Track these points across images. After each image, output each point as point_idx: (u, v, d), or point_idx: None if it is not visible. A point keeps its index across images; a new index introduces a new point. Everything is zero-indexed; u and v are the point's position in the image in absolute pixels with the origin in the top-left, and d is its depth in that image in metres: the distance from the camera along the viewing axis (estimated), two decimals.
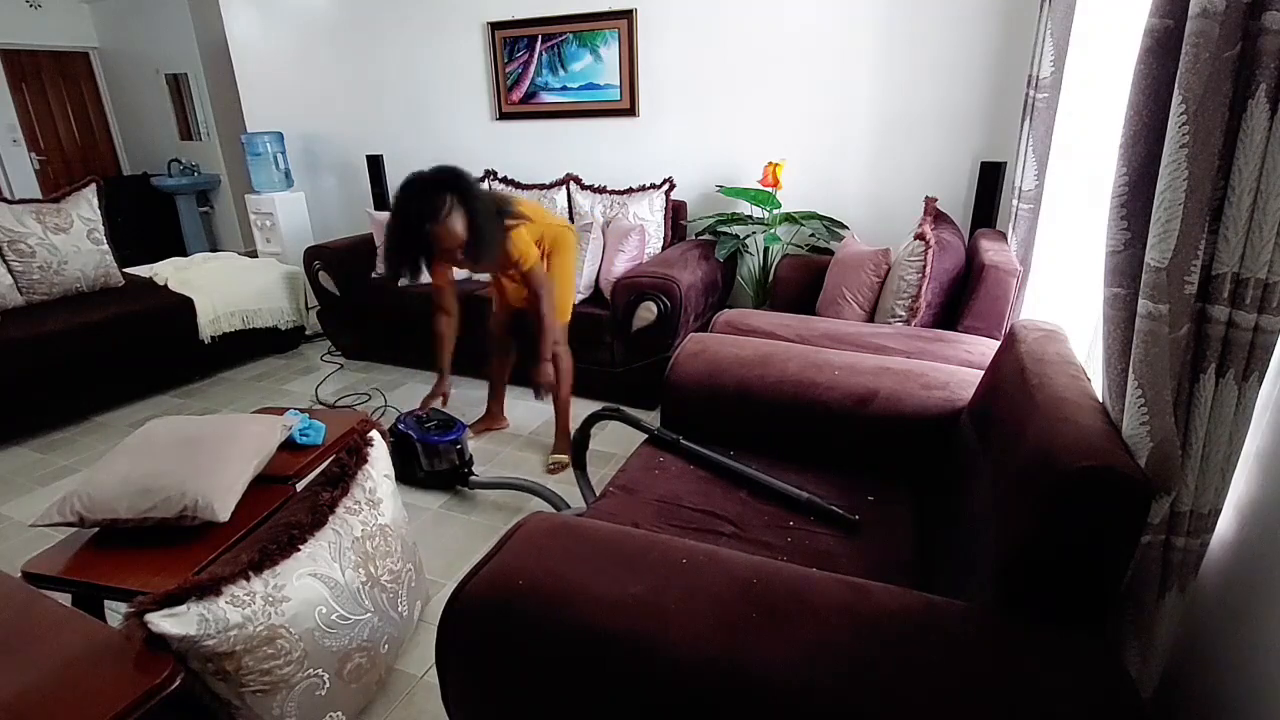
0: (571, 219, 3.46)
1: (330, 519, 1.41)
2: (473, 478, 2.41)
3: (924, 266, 2.26)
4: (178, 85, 6.12)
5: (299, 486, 1.71)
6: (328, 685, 1.32)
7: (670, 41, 3.36)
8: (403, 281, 2.39)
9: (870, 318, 2.51)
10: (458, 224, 2.03)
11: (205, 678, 1.15)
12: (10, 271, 3.06)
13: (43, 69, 6.07)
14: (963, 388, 1.62)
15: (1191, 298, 0.86)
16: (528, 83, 3.74)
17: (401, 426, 2.39)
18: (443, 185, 2.03)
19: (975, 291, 2.18)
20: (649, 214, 3.27)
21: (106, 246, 3.38)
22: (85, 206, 3.36)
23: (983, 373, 1.54)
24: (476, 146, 4.01)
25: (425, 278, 2.28)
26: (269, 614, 1.20)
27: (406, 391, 3.33)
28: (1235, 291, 0.85)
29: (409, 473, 2.35)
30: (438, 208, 2.00)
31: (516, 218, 2.25)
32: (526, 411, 3.04)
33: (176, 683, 1.04)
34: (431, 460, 2.37)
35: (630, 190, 3.35)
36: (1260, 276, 0.83)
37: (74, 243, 3.25)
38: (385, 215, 3.59)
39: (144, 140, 6.57)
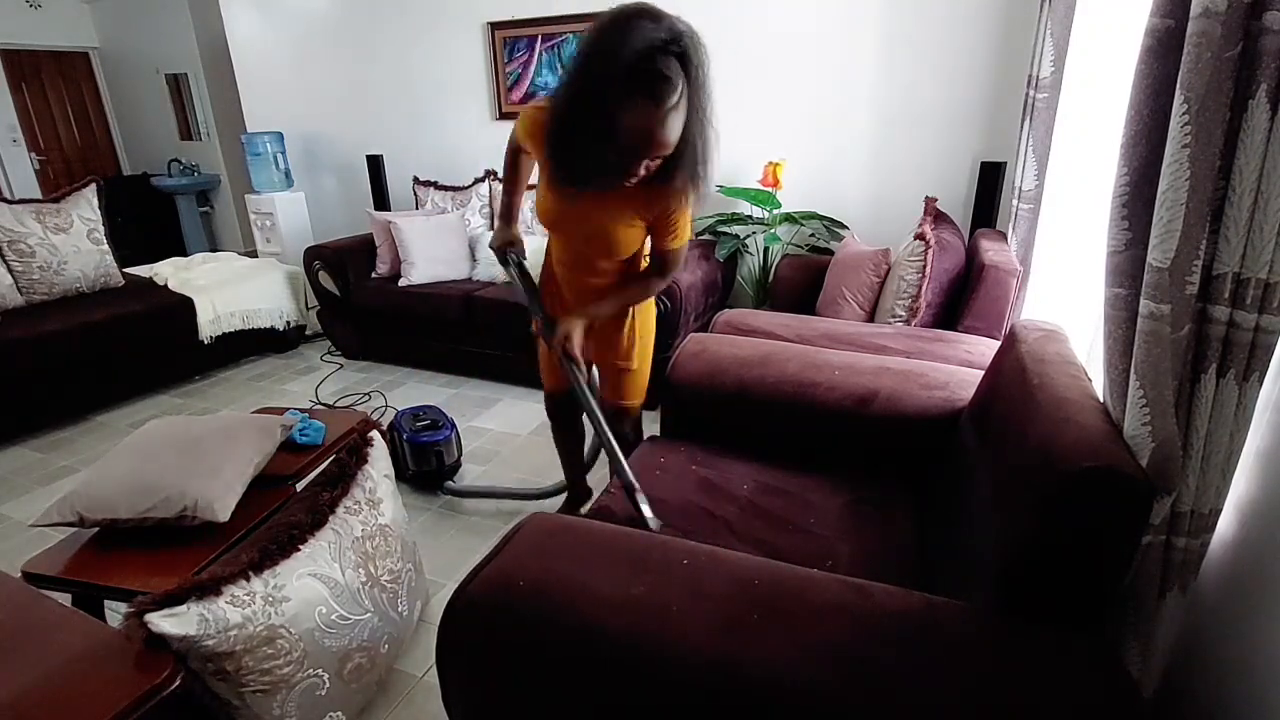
0: None
1: (330, 519, 1.41)
2: (448, 484, 2.38)
3: (924, 266, 2.26)
4: (178, 85, 6.12)
5: (299, 486, 1.71)
6: (328, 685, 1.32)
7: None
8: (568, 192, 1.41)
9: (870, 318, 2.51)
10: (677, 123, 1.25)
11: (205, 678, 1.15)
12: (10, 271, 3.06)
13: (43, 69, 6.07)
14: (963, 388, 1.62)
15: (1193, 298, 0.86)
16: (528, 83, 3.74)
17: (397, 423, 2.39)
18: (680, 55, 1.21)
19: (975, 291, 2.18)
20: None
21: (106, 246, 3.39)
22: (85, 206, 3.36)
23: (983, 373, 1.53)
24: (477, 146, 4.01)
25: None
26: (269, 614, 1.20)
27: (406, 391, 3.33)
28: (1236, 291, 0.85)
29: (399, 470, 2.35)
30: (669, 85, 1.20)
31: None
32: (524, 413, 3.04)
33: (176, 683, 1.04)
34: (418, 460, 2.36)
35: None
36: (1261, 276, 0.83)
37: (74, 243, 3.25)
38: (385, 215, 3.63)
39: (144, 140, 6.57)
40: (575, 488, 2.18)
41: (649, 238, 1.56)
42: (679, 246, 1.54)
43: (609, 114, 1.22)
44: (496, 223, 1.80)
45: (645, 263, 1.66)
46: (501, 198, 1.80)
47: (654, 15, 1.21)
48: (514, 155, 1.71)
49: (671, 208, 1.45)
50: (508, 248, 1.77)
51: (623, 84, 1.20)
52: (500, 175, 1.82)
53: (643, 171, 1.32)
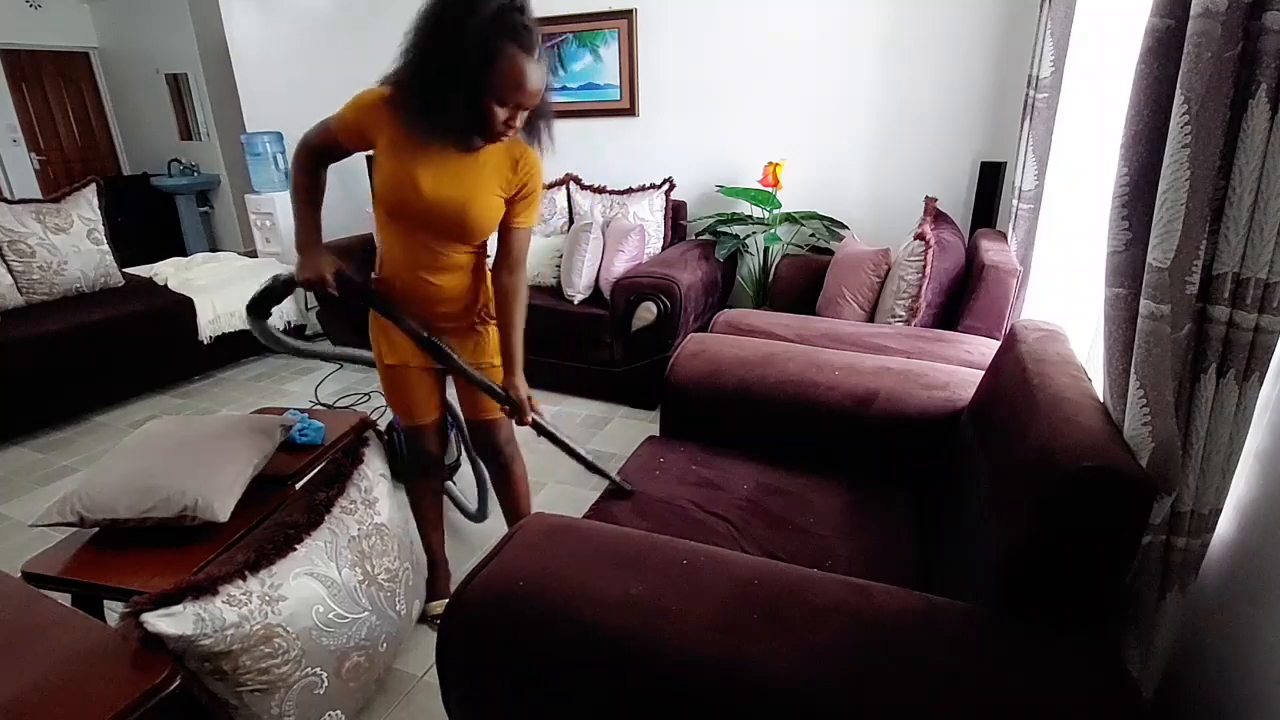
0: (571, 219, 3.46)
1: (326, 518, 1.41)
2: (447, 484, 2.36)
3: (924, 266, 2.26)
4: (178, 85, 6.12)
5: (299, 486, 1.71)
6: (326, 684, 1.32)
7: (670, 41, 3.36)
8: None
9: (870, 318, 2.51)
10: (542, 75, 1.32)
11: (203, 677, 1.15)
12: (10, 271, 3.05)
13: (43, 69, 6.07)
14: (963, 388, 1.61)
15: (1193, 298, 0.86)
16: None
17: (397, 423, 2.38)
18: (526, 17, 1.31)
19: (975, 291, 2.18)
20: (649, 214, 3.27)
21: (106, 246, 3.39)
22: (85, 206, 3.36)
23: (983, 373, 1.53)
24: None
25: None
26: (266, 613, 1.20)
27: None
28: (1236, 291, 0.85)
29: (399, 470, 2.34)
30: (534, 36, 1.30)
31: None
32: None
33: (176, 683, 1.04)
34: None
35: (630, 190, 3.35)
36: (1261, 276, 0.83)
37: (74, 243, 3.25)
38: None
39: (144, 140, 6.57)
40: (439, 564, 1.86)
41: (505, 216, 1.49)
42: (532, 223, 1.52)
43: (482, 63, 1.24)
44: (301, 254, 1.50)
45: (481, 261, 1.57)
46: (302, 219, 1.53)
47: None
48: (315, 162, 1.50)
49: (533, 172, 1.46)
50: (333, 272, 1.48)
51: (494, 34, 1.23)
52: (302, 188, 1.53)
53: (517, 124, 1.33)
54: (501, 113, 1.29)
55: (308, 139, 1.48)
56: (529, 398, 1.57)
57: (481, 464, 1.92)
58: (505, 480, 1.81)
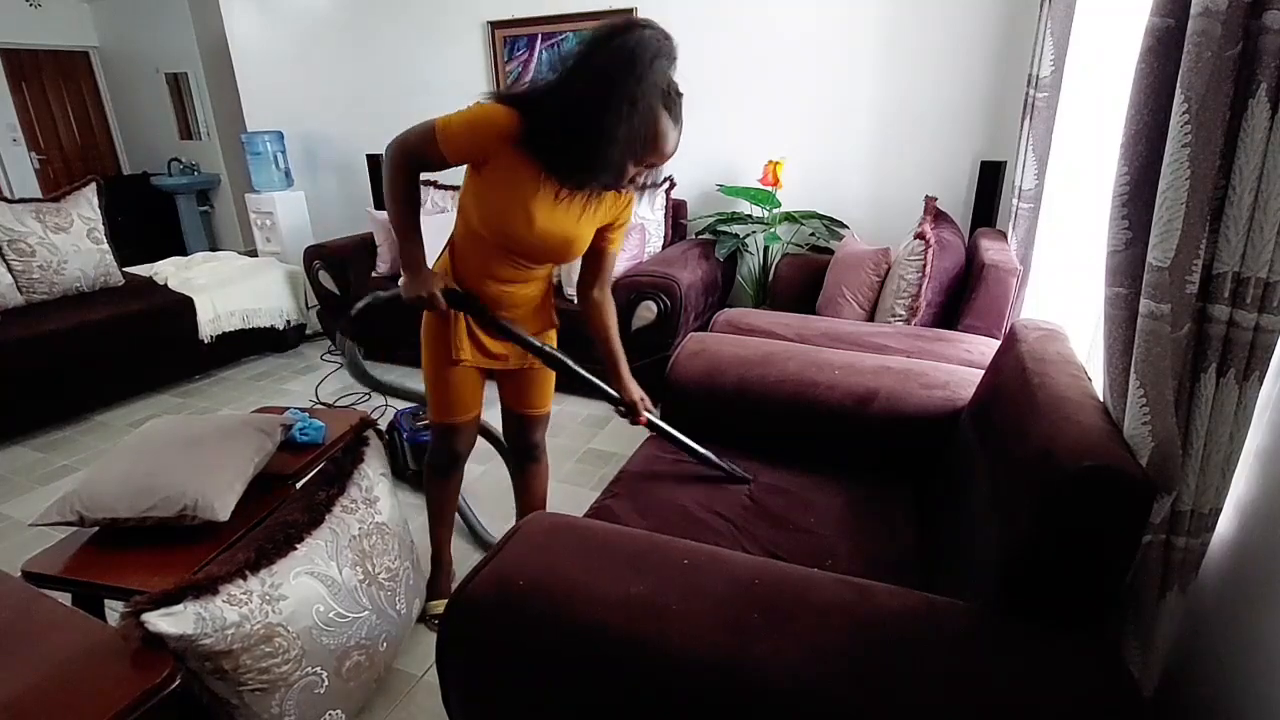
0: None
1: (327, 518, 1.41)
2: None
3: (924, 266, 2.26)
4: (178, 85, 6.12)
5: (299, 486, 1.71)
6: (326, 683, 1.32)
7: None
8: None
9: (870, 317, 2.51)
10: (679, 139, 1.37)
11: (203, 677, 1.15)
12: (10, 271, 3.05)
13: (43, 69, 6.07)
14: (963, 387, 1.61)
15: (1193, 297, 0.86)
16: (528, 81, 3.74)
17: (397, 422, 2.39)
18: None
19: (975, 291, 2.18)
20: (649, 213, 3.27)
21: (106, 246, 3.39)
22: (85, 206, 3.36)
23: (983, 372, 1.53)
24: None
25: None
26: (266, 612, 1.20)
27: None
28: (1236, 291, 0.85)
29: (399, 469, 2.34)
30: (681, 106, 1.32)
31: None
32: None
33: (176, 682, 1.04)
34: (418, 459, 2.36)
35: None
36: (1261, 276, 0.83)
37: (74, 242, 3.25)
38: (385, 214, 3.61)
39: (144, 140, 6.57)
40: (444, 563, 1.87)
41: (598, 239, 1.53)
42: (621, 246, 1.58)
43: (643, 128, 1.25)
44: (410, 273, 1.44)
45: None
46: (411, 232, 1.43)
47: (667, 36, 1.28)
48: (416, 171, 1.38)
49: (631, 205, 1.53)
50: (442, 289, 1.42)
51: (658, 102, 1.25)
52: (402, 200, 1.40)
53: (640, 180, 1.39)
54: (634, 170, 1.33)
55: (409, 146, 1.33)
56: (641, 398, 1.62)
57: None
58: (532, 475, 1.87)
